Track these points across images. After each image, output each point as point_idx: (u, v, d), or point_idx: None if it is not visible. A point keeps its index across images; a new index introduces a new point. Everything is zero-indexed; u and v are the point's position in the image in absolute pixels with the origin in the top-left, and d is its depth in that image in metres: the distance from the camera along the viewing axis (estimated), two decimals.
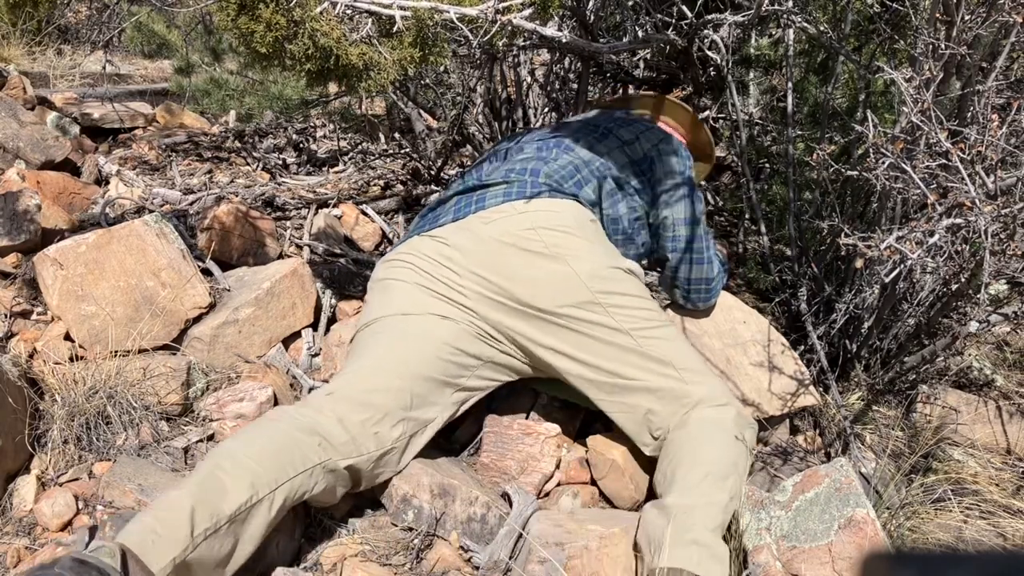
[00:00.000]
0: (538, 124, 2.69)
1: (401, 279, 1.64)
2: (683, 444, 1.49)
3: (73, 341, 1.79)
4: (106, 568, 1.07)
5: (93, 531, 1.18)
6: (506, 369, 1.65)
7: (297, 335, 2.00)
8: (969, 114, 1.60)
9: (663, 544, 1.32)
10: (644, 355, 1.55)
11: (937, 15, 1.48)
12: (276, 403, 1.77)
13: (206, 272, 2.03)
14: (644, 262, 1.89)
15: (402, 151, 3.26)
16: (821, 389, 1.91)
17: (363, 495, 1.59)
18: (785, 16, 1.93)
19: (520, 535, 1.42)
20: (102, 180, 2.84)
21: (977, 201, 1.28)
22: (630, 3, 2.17)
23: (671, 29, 2.05)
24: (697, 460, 1.45)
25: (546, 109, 2.74)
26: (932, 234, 1.31)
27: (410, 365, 1.53)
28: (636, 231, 1.81)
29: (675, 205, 1.80)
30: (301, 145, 3.44)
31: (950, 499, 1.59)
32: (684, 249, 1.81)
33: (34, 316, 1.89)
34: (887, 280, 1.41)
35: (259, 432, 1.37)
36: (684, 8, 1.99)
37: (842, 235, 1.43)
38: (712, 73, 2.41)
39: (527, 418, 1.74)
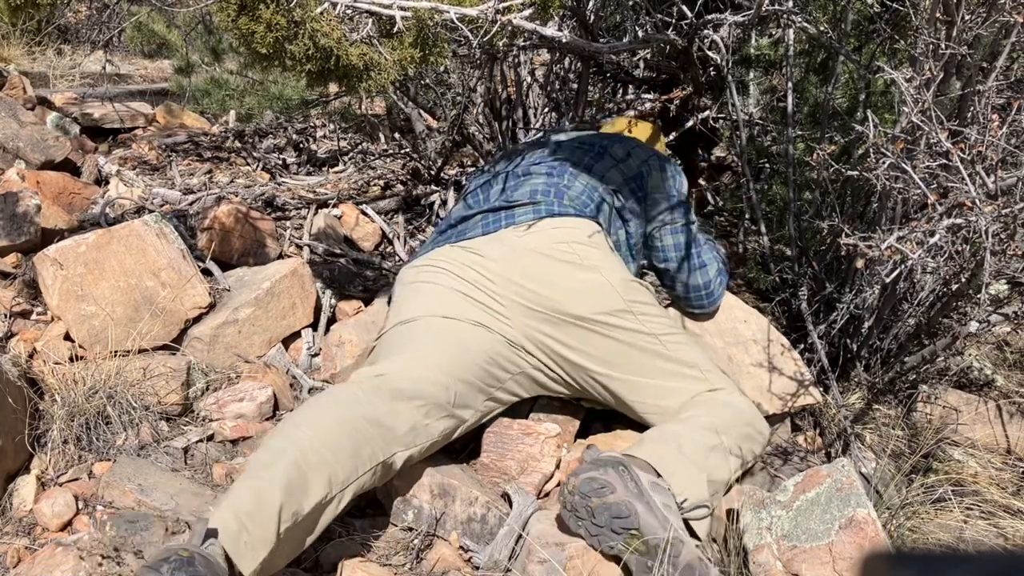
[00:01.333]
0: (531, 138, 2.69)
1: (437, 283, 1.65)
2: (695, 405, 1.59)
3: (73, 341, 1.79)
4: (222, 574, 1.09)
5: (209, 529, 1.13)
6: (533, 384, 1.68)
7: (297, 335, 2.00)
8: (969, 114, 1.60)
9: (643, 442, 1.48)
10: (673, 359, 1.62)
11: (937, 15, 1.48)
12: (276, 403, 1.78)
13: (206, 272, 2.03)
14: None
15: (402, 151, 3.26)
16: (821, 389, 1.91)
17: (363, 495, 1.59)
18: (785, 16, 1.93)
19: (520, 535, 1.42)
20: (102, 180, 2.84)
21: (977, 201, 1.28)
22: (630, 3, 2.17)
23: (671, 29, 2.05)
24: (703, 415, 1.56)
25: (546, 109, 2.74)
26: (932, 234, 1.31)
27: (454, 366, 1.54)
28: (633, 257, 1.86)
29: (663, 216, 1.85)
30: (301, 145, 3.44)
31: (950, 499, 1.59)
32: (676, 258, 1.86)
33: (34, 316, 1.89)
34: (887, 280, 1.41)
35: (335, 423, 1.35)
36: (684, 8, 1.99)
37: (842, 235, 1.43)
38: (712, 73, 2.41)
39: (527, 418, 1.74)
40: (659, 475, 1.39)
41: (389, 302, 1.79)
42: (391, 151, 3.40)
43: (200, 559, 1.06)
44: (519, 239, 1.66)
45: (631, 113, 2.40)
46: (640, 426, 1.69)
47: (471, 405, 1.58)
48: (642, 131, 2.14)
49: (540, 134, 2.56)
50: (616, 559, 1.32)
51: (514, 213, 1.72)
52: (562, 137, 1.99)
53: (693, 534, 1.38)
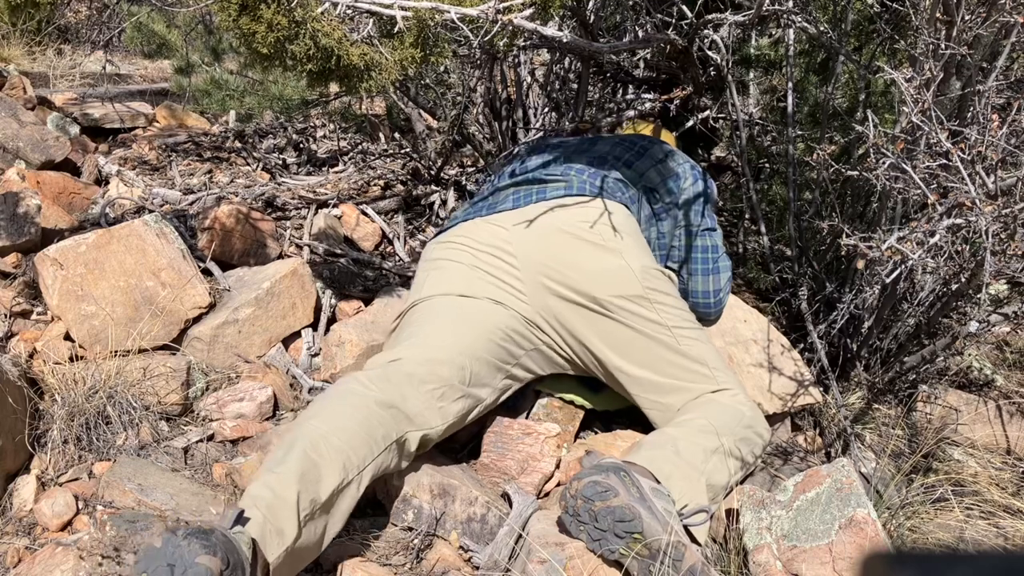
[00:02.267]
0: (542, 127, 2.69)
1: (458, 260, 1.67)
2: (695, 407, 1.59)
3: (73, 341, 1.79)
4: (243, 558, 1.10)
5: (240, 515, 1.15)
6: (548, 361, 1.69)
7: (297, 335, 2.00)
8: (969, 114, 1.60)
9: (641, 447, 1.48)
10: (682, 353, 1.62)
11: (937, 15, 1.48)
12: (276, 403, 1.78)
13: (206, 272, 2.03)
14: None
15: (402, 151, 3.26)
16: (821, 388, 1.91)
17: (363, 495, 1.59)
18: (785, 16, 1.93)
19: (520, 535, 1.42)
20: (102, 180, 2.84)
21: (977, 201, 1.28)
22: (630, 3, 2.17)
23: (671, 29, 2.05)
24: (701, 417, 1.55)
25: (546, 109, 2.74)
26: (933, 234, 1.31)
27: (469, 345, 1.55)
28: (661, 257, 1.86)
29: (687, 218, 1.86)
30: (301, 145, 3.44)
31: (950, 499, 1.59)
32: (692, 259, 1.86)
33: (34, 316, 1.89)
34: (888, 280, 1.41)
35: (344, 409, 1.37)
36: (684, 8, 1.99)
37: (842, 235, 1.43)
38: (712, 73, 2.41)
39: (527, 418, 1.74)
40: (658, 481, 1.39)
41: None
42: (391, 151, 3.40)
43: (220, 535, 1.08)
44: (545, 216, 1.67)
45: (631, 113, 2.40)
46: (641, 425, 1.69)
47: (488, 383, 1.59)
48: (663, 135, 2.16)
49: (541, 135, 2.56)
50: (617, 564, 1.32)
51: (546, 189, 1.73)
52: (607, 135, 2.00)
53: (693, 539, 1.38)
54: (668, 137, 2.19)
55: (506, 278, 1.63)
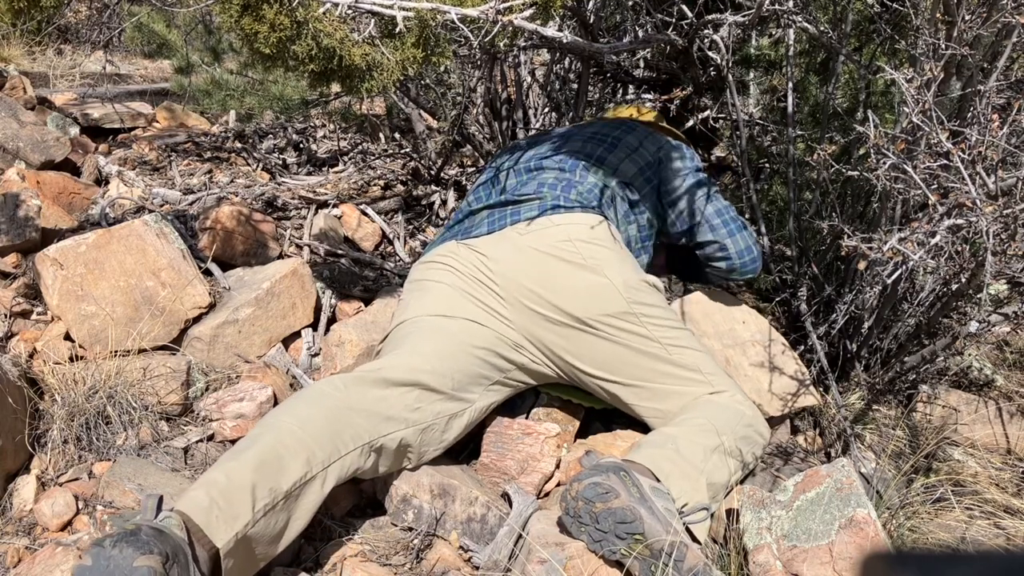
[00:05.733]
0: (541, 128, 2.69)
1: (441, 281, 1.68)
2: (694, 407, 1.59)
3: (73, 341, 1.79)
4: (179, 541, 1.09)
5: (160, 501, 1.15)
6: (537, 375, 1.69)
7: (297, 335, 2.00)
8: (970, 114, 1.60)
9: (641, 447, 1.49)
10: (674, 363, 1.62)
11: (938, 15, 1.48)
12: (276, 403, 1.77)
13: (207, 272, 2.03)
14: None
15: (402, 151, 3.26)
16: (821, 389, 1.91)
17: (363, 495, 1.59)
18: (785, 16, 1.93)
19: (520, 535, 1.42)
20: (102, 180, 2.84)
21: (978, 201, 1.28)
22: (630, 3, 2.17)
23: (671, 29, 2.05)
24: (700, 417, 1.55)
25: (546, 109, 2.74)
26: (934, 235, 1.31)
27: (450, 357, 1.56)
28: (641, 251, 1.85)
29: (690, 194, 1.84)
30: (301, 145, 3.44)
31: (950, 499, 1.59)
32: (720, 225, 1.84)
33: (34, 316, 1.88)
34: (889, 281, 1.41)
35: (313, 407, 1.38)
36: (684, 8, 1.99)
37: (843, 236, 1.43)
38: (712, 73, 2.41)
39: (527, 418, 1.74)
40: (658, 480, 1.39)
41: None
42: (391, 151, 3.40)
43: (148, 530, 1.07)
44: (522, 237, 1.66)
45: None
46: (640, 425, 1.69)
47: (474, 391, 1.60)
48: (649, 117, 2.14)
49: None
50: (619, 564, 1.32)
51: (520, 209, 1.72)
52: (573, 129, 1.98)
53: (693, 538, 1.38)
54: (655, 118, 2.15)
55: (490, 302, 1.63)
